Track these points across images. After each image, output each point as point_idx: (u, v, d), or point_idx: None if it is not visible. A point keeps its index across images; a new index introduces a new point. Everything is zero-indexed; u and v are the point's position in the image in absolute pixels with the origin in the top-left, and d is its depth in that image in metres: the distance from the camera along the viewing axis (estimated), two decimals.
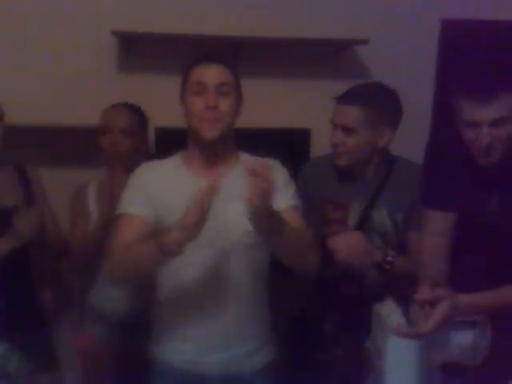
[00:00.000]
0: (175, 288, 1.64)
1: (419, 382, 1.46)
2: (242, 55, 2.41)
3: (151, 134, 2.35)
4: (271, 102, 2.53)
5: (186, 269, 1.59)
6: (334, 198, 1.94)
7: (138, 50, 2.47)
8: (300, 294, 2.04)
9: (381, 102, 1.87)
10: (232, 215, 1.56)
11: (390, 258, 1.81)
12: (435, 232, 1.69)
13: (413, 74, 2.50)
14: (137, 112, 2.16)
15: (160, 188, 1.62)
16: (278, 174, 1.66)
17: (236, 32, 2.38)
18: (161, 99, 2.27)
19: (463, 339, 1.56)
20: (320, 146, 2.37)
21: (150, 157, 2.03)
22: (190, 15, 2.45)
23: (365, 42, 2.41)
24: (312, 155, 2.47)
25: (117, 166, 2.03)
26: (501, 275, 1.53)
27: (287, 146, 2.48)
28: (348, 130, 1.85)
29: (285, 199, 1.61)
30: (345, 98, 1.88)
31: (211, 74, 1.60)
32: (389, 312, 1.59)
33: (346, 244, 1.79)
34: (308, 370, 1.90)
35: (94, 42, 2.44)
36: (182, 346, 1.65)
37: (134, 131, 2.12)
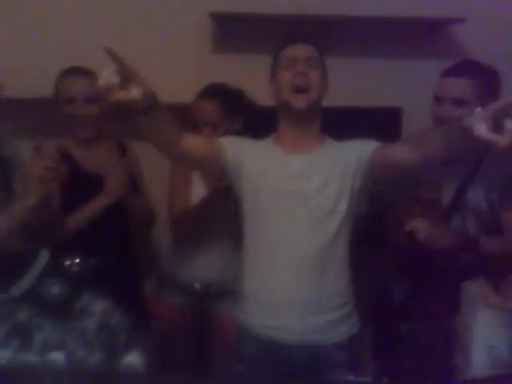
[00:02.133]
0: (266, 250, 1.69)
1: (507, 355, 1.46)
2: (333, 35, 2.44)
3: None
4: (364, 81, 2.54)
5: (274, 233, 1.67)
6: (427, 177, 1.94)
7: (233, 31, 2.54)
8: (388, 269, 2.06)
9: (488, 75, 1.88)
10: (314, 191, 1.65)
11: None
12: None
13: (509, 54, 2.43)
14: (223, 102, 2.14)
15: (256, 166, 1.71)
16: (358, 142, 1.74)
17: (328, 11, 2.40)
18: (254, 79, 2.35)
19: None
20: (412, 125, 2.37)
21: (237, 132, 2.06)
22: None
23: (462, 20, 2.35)
24: (404, 135, 2.46)
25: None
26: None
27: (379, 124, 2.47)
28: (459, 102, 1.84)
29: (371, 146, 1.70)
30: (454, 71, 1.88)
31: (300, 49, 1.70)
32: (476, 286, 1.60)
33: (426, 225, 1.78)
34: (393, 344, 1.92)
35: (192, 23, 2.54)
36: (268, 309, 1.69)
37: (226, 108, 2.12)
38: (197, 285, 2.15)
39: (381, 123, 2.47)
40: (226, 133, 2.00)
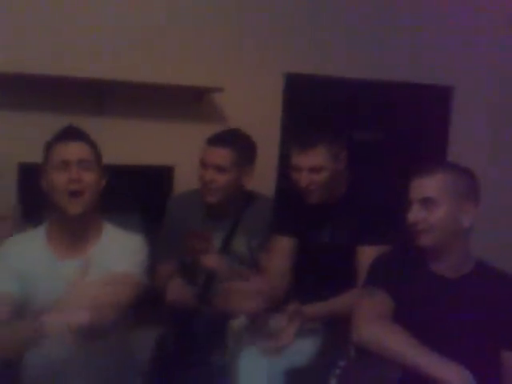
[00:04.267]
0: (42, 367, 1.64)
1: None
2: (109, 97, 2.58)
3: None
4: (138, 141, 2.71)
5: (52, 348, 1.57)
6: (198, 230, 2.17)
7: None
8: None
9: (244, 145, 2.17)
10: None
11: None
12: (279, 254, 2.00)
13: (263, 120, 2.84)
14: None
15: (27, 269, 1.63)
16: (130, 245, 1.72)
17: (104, 75, 2.54)
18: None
19: (305, 346, 1.85)
20: (183, 182, 2.61)
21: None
22: (55, 56, 2.54)
23: (220, 90, 2.69)
24: (175, 191, 2.67)
25: None
26: (327, 292, 1.87)
27: (153, 181, 2.68)
28: (220, 169, 2.09)
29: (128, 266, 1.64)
30: (216, 141, 2.13)
31: (72, 152, 1.66)
32: (241, 327, 1.83)
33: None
34: None
35: None
36: None
37: None
38: None
39: (154, 180, 2.67)
40: None
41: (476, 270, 1.64)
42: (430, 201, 1.58)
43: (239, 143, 2.15)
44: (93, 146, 1.72)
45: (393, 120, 3.03)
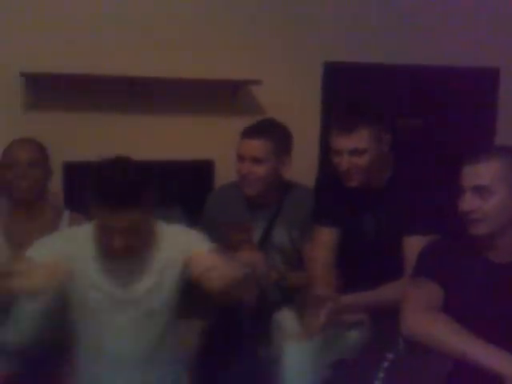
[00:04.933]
0: (94, 347, 1.71)
1: (313, 380, 1.68)
2: (147, 94, 2.61)
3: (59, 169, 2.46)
4: (178, 137, 2.73)
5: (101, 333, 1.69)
6: (238, 221, 2.16)
7: (43, 89, 2.57)
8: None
9: (280, 135, 2.13)
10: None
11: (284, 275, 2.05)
12: (321, 245, 1.96)
13: (303, 111, 2.81)
14: (39, 146, 2.15)
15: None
16: (182, 233, 1.77)
17: (134, 72, 2.56)
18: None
19: (350, 339, 1.82)
20: (223, 176, 2.60)
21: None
22: (92, 55, 2.58)
23: (258, 82, 2.67)
24: (216, 184, 2.67)
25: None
26: (374, 282, 1.81)
27: (193, 176, 2.68)
28: (256, 161, 2.07)
29: (200, 245, 1.73)
30: (252, 132, 2.10)
31: (119, 219, 1.56)
32: (286, 320, 1.81)
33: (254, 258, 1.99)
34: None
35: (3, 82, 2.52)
36: None
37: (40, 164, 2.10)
38: None
39: (195, 175, 2.68)
40: None
41: None
42: (485, 189, 1.52)
43: (274, 133, 2.12)
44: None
45: (438, 105, 2.95)
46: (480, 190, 1.52)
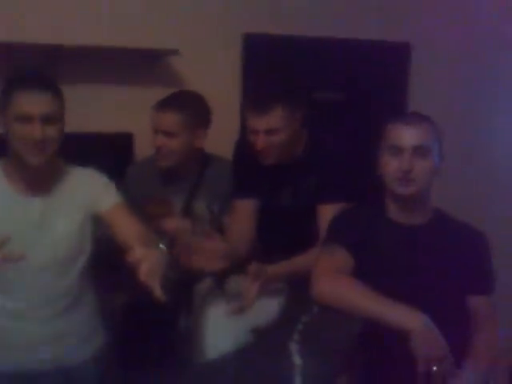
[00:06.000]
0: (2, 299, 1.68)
1: (234, 343, 1.72)
2: (62, 62, 2.51)
3: None
4: (94, 108, 2.65)
5: (13, 282, 1.66)
6: (158, 195, 2.15)
7: None
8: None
9: (194, 107, 2.13)
10: (59, 232, 1.68)
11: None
12: (241, 218, 2.00)
13: (222, 83, 2.81)
14: None
15: None
16: (97, 179, 1.79)
17: (55, 40, 2.46)
18: None
19: (270, 306, 1.87)
20: (143, 149, 2.57)
21: None
22: (7, 21, 2.46)
23: (176, 52, 2.64)
24: (135, 158, 2.64)
25: None
26: (293, 251, 1.88)
27: (112, 149, 2.62)
28: (169, 134, 2.07)
29: (110, 198, 1.77)
30: (163, 106, 2.10)
31: (36, 104, 1.57)
32: (208, 289, 1.85)
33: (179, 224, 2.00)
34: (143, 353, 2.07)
35: None
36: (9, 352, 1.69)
37: None
38: None
39: (113, 148, 2.63)
40: None
41: (435, 218, 1.68)
42: (426, 149, 1.59)
43: (187, 106, 2.11)
44: (57, 92, 1.65)
45: (353, 79, 3.02)
46: (421, 150, 1.59)
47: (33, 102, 1.57)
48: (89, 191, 1.75)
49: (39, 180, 1.69)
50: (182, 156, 2.11)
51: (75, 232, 1.71)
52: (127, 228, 1.69)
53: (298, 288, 1.86)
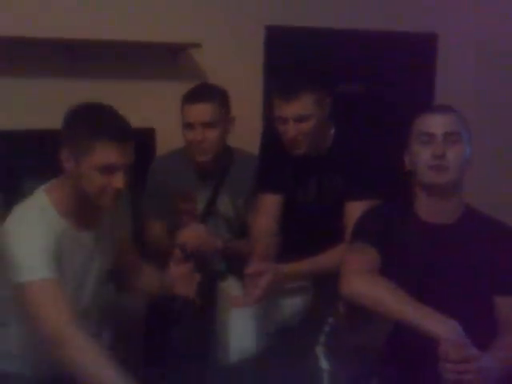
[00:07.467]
0: None
1: (258, 344, 1.70)
2: (79, 58, 2.50)
3: None
4: (116, 104, 2.62)
5: None
6: (182, 190, 2.12)
7: None
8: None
9: (223, 98, 2.09)
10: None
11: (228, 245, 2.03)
12: (265, 212, 1.96)
13: (245, 75, 2.76)
14: None
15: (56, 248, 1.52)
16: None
17: (71, 35, 2.45)
18: None
19: (294, 305, 1.85)
20: (165, 143, 2.54)
21: None
22: (27, 16, 2.45)
23: (198, 46, 2.60)
24: (158, 152, 2.61)
25: None
26: (317, 247, 1.84)
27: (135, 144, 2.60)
28: (208, 125, 2.00)
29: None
30: (197, 98, 2.03)
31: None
32: (231, 288, 1.82)
33: (194, 236, 1.94)
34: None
35: None
36: None
37: None
38: None
39: (136, 143, 2.60)
40: None
41: (465, 216, 1.63)
42: (454, 136, 1.55)
43: (216, 95, 2.07)
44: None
45: (378, 71, 2.96)
46: (452, 137, 1.55)
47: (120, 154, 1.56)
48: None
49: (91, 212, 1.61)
50: (219, 149, 2.06)
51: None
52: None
53: (324, 286, 1.83)
